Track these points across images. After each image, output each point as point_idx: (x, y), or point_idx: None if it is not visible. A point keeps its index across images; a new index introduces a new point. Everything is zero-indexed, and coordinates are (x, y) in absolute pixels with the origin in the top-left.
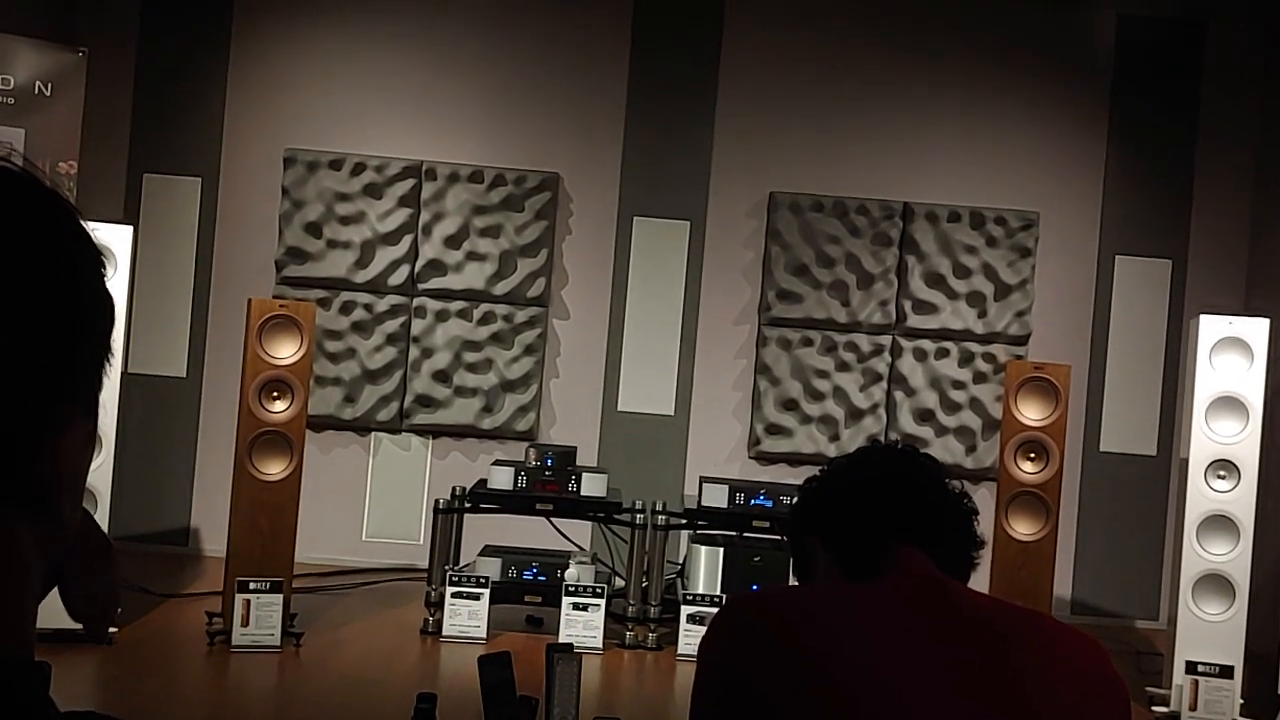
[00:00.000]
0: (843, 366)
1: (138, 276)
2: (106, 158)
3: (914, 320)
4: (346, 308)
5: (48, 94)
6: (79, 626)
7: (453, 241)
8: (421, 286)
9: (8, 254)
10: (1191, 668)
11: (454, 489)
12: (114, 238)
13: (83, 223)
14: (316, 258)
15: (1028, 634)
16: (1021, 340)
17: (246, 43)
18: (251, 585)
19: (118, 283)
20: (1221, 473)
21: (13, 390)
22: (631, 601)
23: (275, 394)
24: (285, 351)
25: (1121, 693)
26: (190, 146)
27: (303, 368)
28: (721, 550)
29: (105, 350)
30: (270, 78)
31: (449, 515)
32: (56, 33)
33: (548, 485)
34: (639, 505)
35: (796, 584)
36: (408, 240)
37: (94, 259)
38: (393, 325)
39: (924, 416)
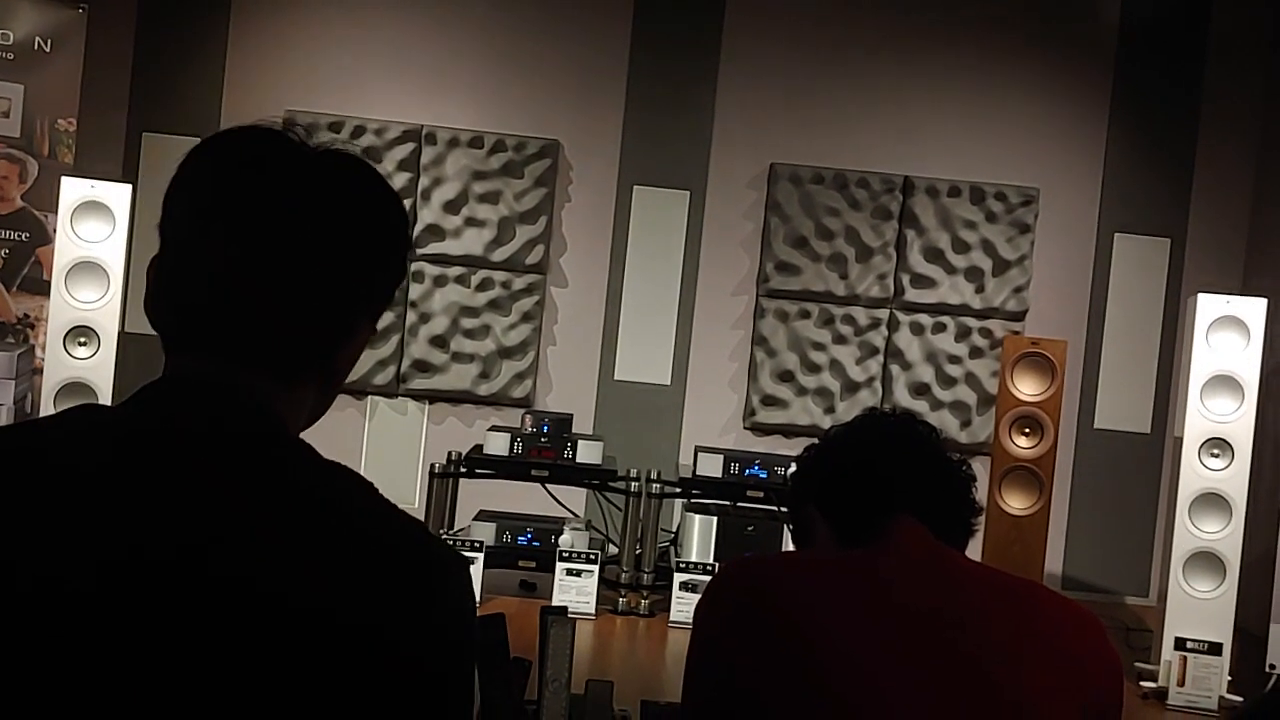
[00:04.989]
0: (840, 339)
1: (136, 235)
2: (105, 115)
3: (912, 294)
4: None
5: (47, 50)
6: None
7: (452, 207)
8: (420, 251)
9: (341, 220)
10: (1180, 644)
11: (450, 454)
12: (113, 196)
13: (395, 198)
14: None
15: (1019, 609)
16: (1019, 316)
17: (248, 2)
18: None
19: (116, 241)
20: (1215, 451)
21: (332, 307)
22: (625, 568)
23: None
24: None
25: (1114, 668)
26: (190, 106)
27: None
28: (715, 519)
29: (396, 283)
30: (271, 38)
31: (444, 480)
32: None
33: (543, 452)
34: (634, 473)
35: (793, 550)
36: (407, 204)
37: (399, 225)
38: None
39: (920, 390)
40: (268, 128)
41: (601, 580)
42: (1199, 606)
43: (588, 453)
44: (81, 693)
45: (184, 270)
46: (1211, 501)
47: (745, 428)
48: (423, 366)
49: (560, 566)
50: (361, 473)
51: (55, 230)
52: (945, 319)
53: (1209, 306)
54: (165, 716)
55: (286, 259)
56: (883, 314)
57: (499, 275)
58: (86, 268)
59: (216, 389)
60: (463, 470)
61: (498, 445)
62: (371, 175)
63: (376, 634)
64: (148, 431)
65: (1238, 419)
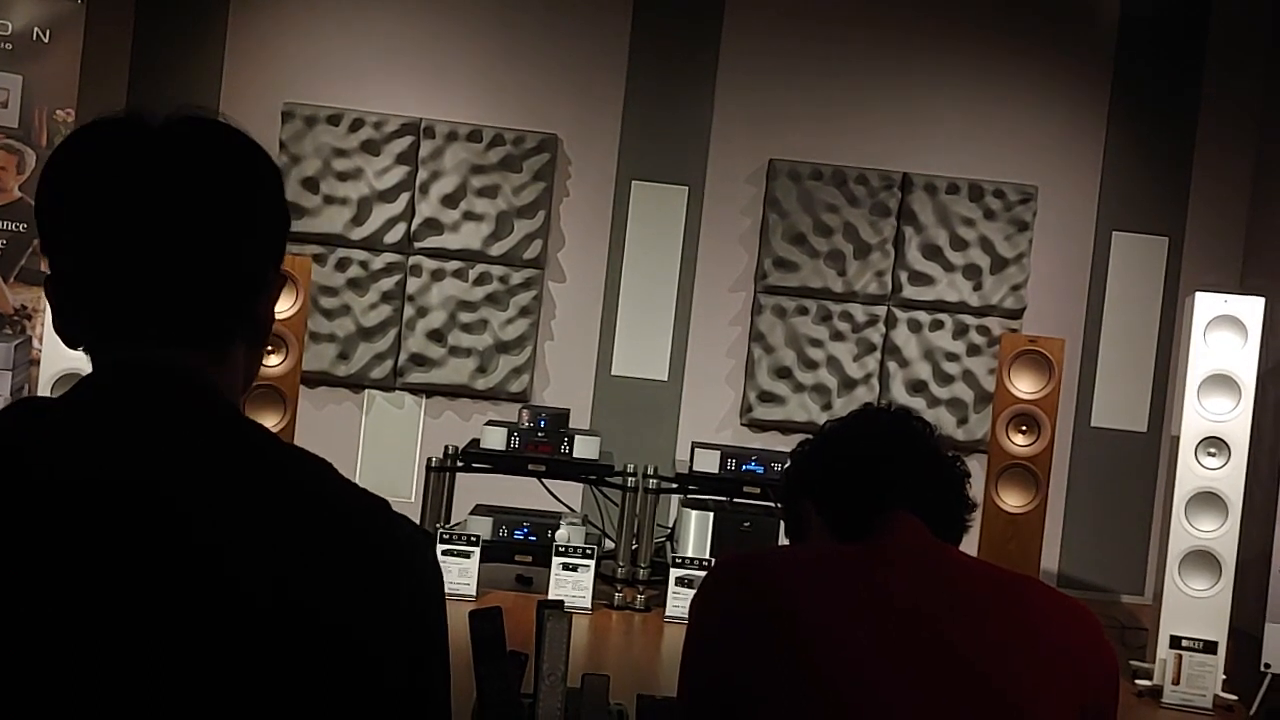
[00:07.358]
0: (837, 336)
1: None
2: (104, 107)
3: (909, 291)
4: (342, 264)
5: (46, 41)
6: None
7: (450, 201)
8: (418, 245)
9: (236, 181)
10: (1175, 642)
11: (446, 448)
12: None
13: (256, 146)
14: (313, 213)
15: (1015, 604)
16: (1016, 314)
17: None
18: None
19: None
20: (1212, 450)
21: (234, 268)
22: (621, 563)
23: (270, 348)
24: (280, 306)
25: (1110, 664)
26: (188, 97)
27: (297, 323)
28: (711, 515)
29: (285, 226)
30: (270, 30)
31: (441, 474)
32: None
33: (540, 446)
34: (630, 468)
35: (787, 545)
36: (405, 198)
37: (278, 177)
38: (388, 283)
39: (917, 387)
40: (109, 118)
41: (598, 575)
42: (1194, 605)
43: (584, 448)
44: (70, 690)
45: (82, 277)
46: (1208, 500)
47: (742, 424)
48: (420, 360)
49: (556, 561)
50: (358, 466)
51: None
52: (943, 316)
53: (1207, 305)
54: (146, 706)
55: (177, 234)
56: (880, 311)
57: (497, 269)
58: None
59: (153, 374)
60: (459, 464)
61: (494, 439)
62: (228, 131)
63: (348, 620)
64: (101, 428)
65: (1235, 418)
